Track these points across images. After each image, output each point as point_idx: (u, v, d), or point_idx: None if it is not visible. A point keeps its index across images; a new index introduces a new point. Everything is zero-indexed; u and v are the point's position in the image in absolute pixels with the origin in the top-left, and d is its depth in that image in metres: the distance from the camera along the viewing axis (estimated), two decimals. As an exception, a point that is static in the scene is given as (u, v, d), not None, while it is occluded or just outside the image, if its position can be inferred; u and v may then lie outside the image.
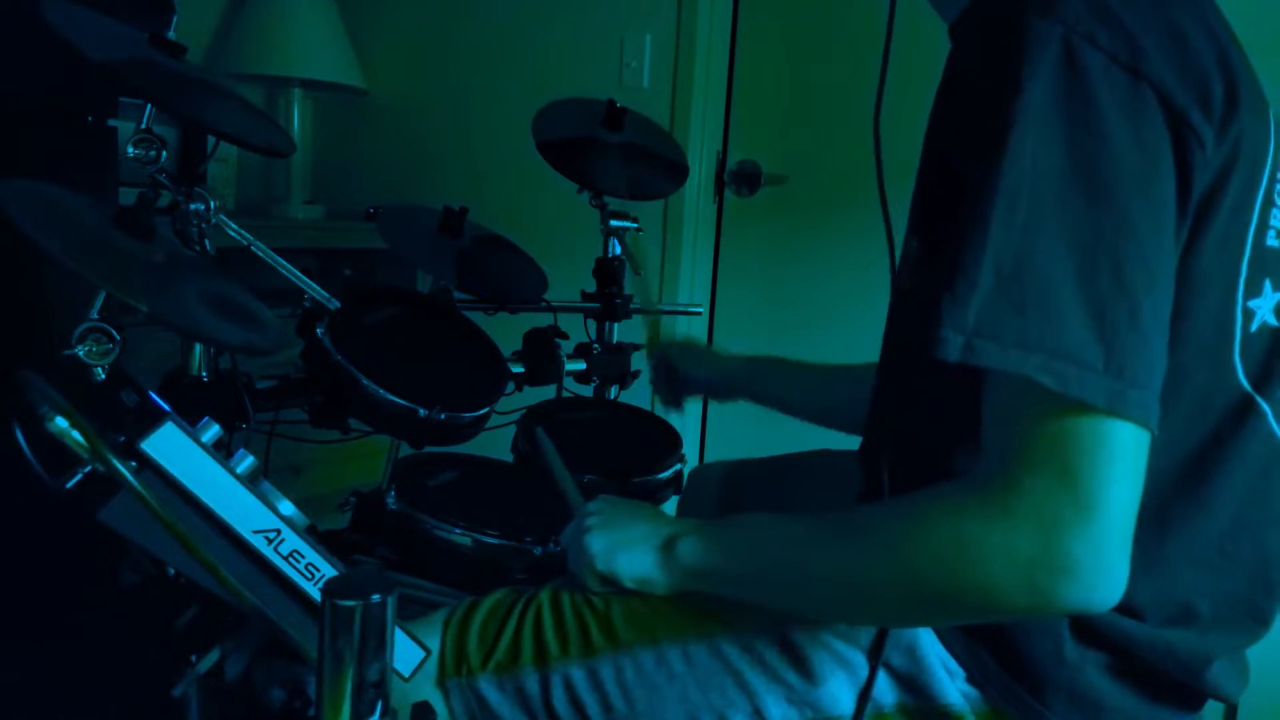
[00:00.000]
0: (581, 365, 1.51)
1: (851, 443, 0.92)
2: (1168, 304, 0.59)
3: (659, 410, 1.48)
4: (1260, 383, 0.69)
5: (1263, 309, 0.68)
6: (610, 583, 0.78)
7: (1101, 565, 0.54)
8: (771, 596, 0.72)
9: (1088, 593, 0.55)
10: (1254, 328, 0.68)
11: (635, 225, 1.57)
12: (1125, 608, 0.67)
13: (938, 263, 0.58)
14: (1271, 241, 0.68)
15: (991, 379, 0.59)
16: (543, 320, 1.47)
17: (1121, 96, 0.57)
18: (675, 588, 0.75)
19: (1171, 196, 0.59)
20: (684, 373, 1.29)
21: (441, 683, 0.78)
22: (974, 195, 0.57)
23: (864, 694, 0.72)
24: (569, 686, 0.76)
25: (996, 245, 0.56)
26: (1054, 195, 0.56)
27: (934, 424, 0.72)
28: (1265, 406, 0.69)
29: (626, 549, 0.76)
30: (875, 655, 0.71)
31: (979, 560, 0.56)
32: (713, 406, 2.32)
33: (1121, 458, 0.55)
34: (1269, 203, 0.68)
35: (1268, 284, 0.69)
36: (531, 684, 0.77)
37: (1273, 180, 0.68)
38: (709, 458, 2.31)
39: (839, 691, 0.72)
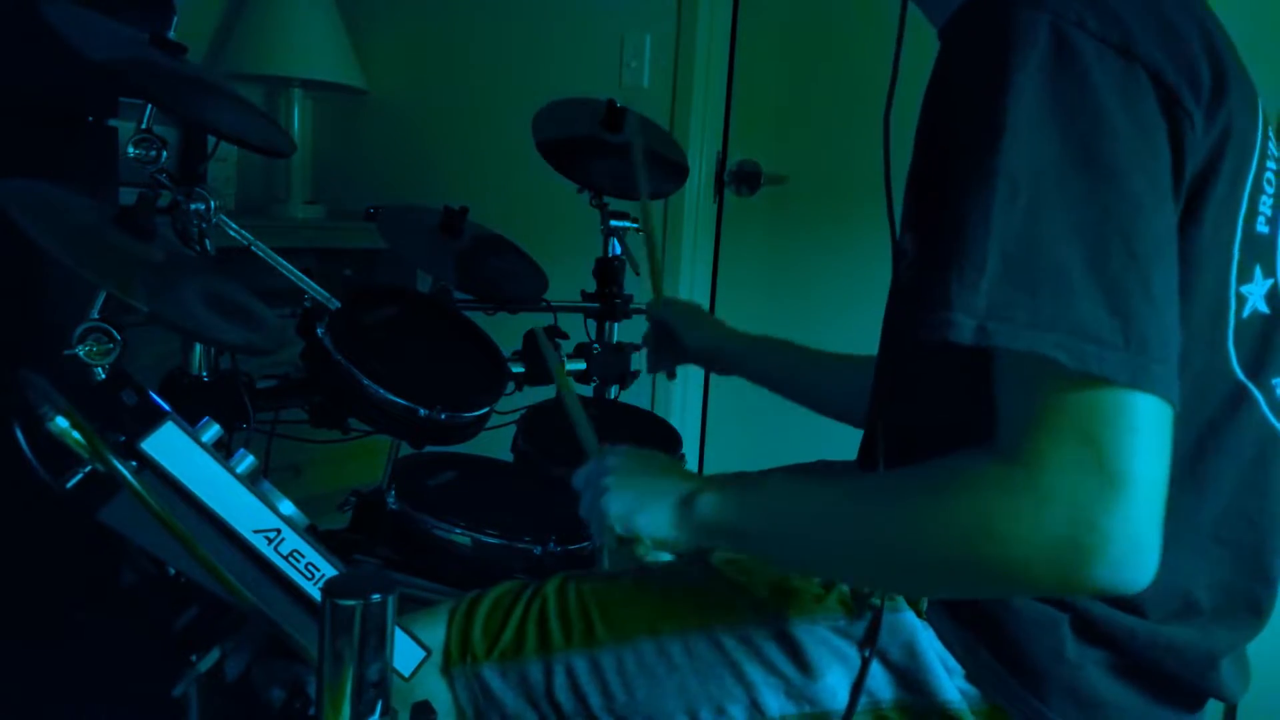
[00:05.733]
0: (582, 365, 1.51)
1: (852, 454, 0.92)
2: (1175, 279, 0.59)
3: (646, 375, 1.42)
4: (1252, 369, 0.69)
5: (1254, 295, 0.69)
6: (628, 542, 0.77)
7: (1132, 541, 0.52)
8: (792, 558, 0.71)
9: (1115, 570, 0.52)
10: (1246, 314, 0.68)
11: (635, 225, 1.57)
12: (1125, 603, 0.67)
13: (940, 252, 0.58)
14: (1262, 228, 0.69)
15: (1004, 361, 0.58)
16: (543, 320, 1.47)
17: (1115, 77, 0.57)
18: (694, 545, 0.74)
19: (1168, 175, 0.59)
20: (682, 339, 1.23)
21: (446, 671, 0.80)
22: (974, 184, 0.56)
23: (857, 685, 0.72)
24: (571, 675, 0.77)
25: (1000, 230, 0.55)
26: (1055, 177, 0.56)
27: (932, 418, 0.71)
28: (1257, 393, 0.69)
29: (645, 509, 0.75)
30: (868, 645, 0.72)
31: (1002, 537, 0.54)
32: (713, 407, 2.32)
33: (1146, 431, 0.54)
34: (1258, 190, 0.68)
35: (1258, 270, 0.69)
36: (535, 672, 0.78)
37: (1261, 168, 0.68)
38: (709, 458, 2.32)
39: (836, 685, 0.73)
